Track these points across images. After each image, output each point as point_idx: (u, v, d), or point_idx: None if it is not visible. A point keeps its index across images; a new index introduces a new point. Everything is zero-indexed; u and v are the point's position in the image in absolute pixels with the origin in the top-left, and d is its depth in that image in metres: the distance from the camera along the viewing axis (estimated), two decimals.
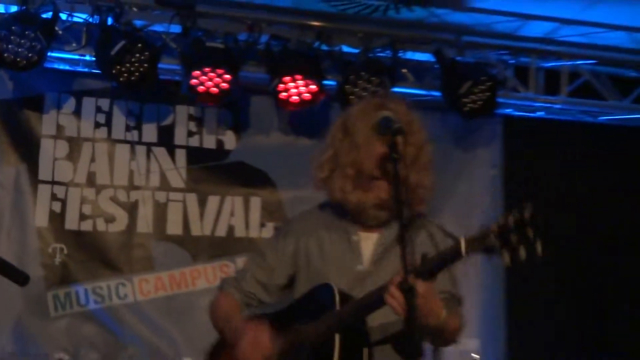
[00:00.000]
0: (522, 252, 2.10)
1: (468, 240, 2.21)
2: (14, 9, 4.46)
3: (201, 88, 4.59)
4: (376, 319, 2.40)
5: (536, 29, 5.13)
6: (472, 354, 4.90)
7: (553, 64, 5.35)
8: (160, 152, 4.95)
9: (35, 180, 4.72)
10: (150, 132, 4.95)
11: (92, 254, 4.78)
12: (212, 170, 5.01)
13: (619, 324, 5.29)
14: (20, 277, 3.08)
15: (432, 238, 2.58)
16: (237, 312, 2.66)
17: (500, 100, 5.08)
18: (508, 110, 5.42)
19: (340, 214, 2.65)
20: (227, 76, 4.57)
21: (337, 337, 2.38)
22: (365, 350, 2.40)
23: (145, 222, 4.86)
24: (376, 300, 2.33)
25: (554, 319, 5.29)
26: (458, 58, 4.98)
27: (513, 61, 5.34)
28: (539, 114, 5.49)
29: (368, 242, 2.59)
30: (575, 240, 5.46)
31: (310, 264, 2.63)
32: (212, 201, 4.98)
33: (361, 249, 2.59)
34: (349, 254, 2.59)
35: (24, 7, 4.32)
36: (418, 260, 2.26)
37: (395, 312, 2.27)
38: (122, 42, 4.35)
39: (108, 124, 4.88)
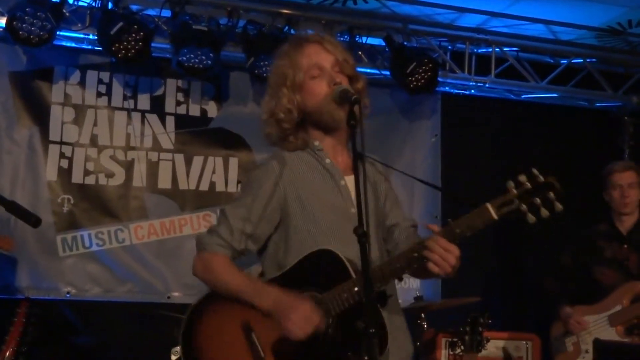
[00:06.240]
0: (544, 212, 2.10)
1: (495, 206, 2.13)
2: None
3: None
4: None
5: (470, 20, 5.24)
6: (416, 292, 5.00)
7: (484, 50, 5.45)
8: (153, 118, 4.98)
9: (46, 141, 4.74)
10: (144, 101, 4.97)
11: (94, 204, 4.82)
12: (196, 134, 5.05)
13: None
14: (32, 219, 3.23)
15: (374, 183, 2.47)
16: (245, 275, 2.33)
17: (440, 79, 5.17)
18: (446, 88, 5.53)
19: (312, 154, 2.41)
20: (210, 54, 4.60)
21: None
22: (381, 311, 2.20)
23: (139, 178, 4.90)
24: (410, 260, 2.17)
25: (483, 269, 5.40)
26: (405, 43, 5.10)
27: (450, 47, 5.45)
28: (472, 91, 5.59)
29: (352, 185, 2.24)
30: (496, 193, 5.70)
31: (304, 207, 2.33)
32: (197, 161, 5.03)
33: (350, 193, 2.35)
34: (340, 198, 2.35)
35: None
36: (452, 228, 2.13)
37: (434, 269, 2.13)
38: (120, 24, 4.38)
39: (108, 93, 4.89)
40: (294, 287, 2.24)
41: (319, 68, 2.39)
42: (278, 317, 2.20)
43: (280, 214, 2.36)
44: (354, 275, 2.19)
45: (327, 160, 2.41)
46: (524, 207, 2.12)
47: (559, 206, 2.11)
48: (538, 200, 2.11)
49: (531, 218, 2.12)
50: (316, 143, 2.43)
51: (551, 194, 2.11)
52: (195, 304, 2.38)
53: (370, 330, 1.94)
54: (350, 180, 2.36)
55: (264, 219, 2.35)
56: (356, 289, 2.16)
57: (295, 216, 2.34)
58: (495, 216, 2.13)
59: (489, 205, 2.14)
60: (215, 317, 2.34)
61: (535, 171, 2.14)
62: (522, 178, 2.14)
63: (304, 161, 2.41)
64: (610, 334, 4.12)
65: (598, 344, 3.99)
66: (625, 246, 4.27)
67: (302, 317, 2.15)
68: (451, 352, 4.19)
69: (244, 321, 2.28)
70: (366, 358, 1.96)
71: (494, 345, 4.35)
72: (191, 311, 2.37)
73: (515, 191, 2.13)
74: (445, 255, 2.14)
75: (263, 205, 2.34)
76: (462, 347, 3.88)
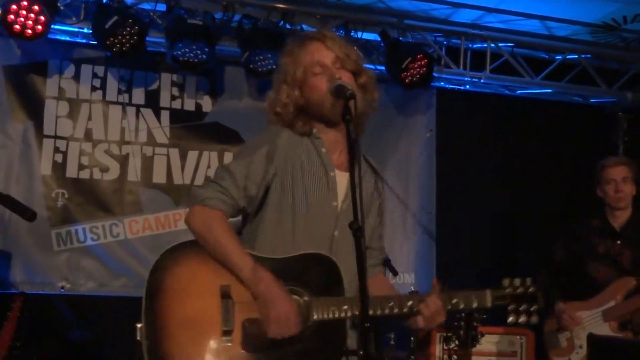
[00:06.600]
0: (523, 320, 2.43)
1: (493, 297, 2.40)
2: None
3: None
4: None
5: (465, 16, 5.26)
6: (411, 287, 5.08)
7: (479, 45, 5.46)
8: (148, 112, 4.98)
9: (40, 135, 4.74)
10: (139, 95, 4.97)
11: (89, 198, 4.82)
12: (191, 129, 5.06)
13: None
14: (28, 213, 3.21)
15: (376, 187, 2.56)
16: (243, 247, 2.30)
17: (435, 74, 5.19)
18: (441, 84, 5.56)
19: (311, 140, 2.46)
20: (205, 49, 4.60)
21: (347, 323, 2.27)
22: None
23: (134, 172, 4.91)
24: (404, 305, 2.30)
25: (478, 264, 5.42)
26: (400, 38, 5.11)
27: (446, 42, 5.48)
28: (467, 87, 5.62)
29: (341, 180, 2.42)
30: (491, 188, 5.70)
31: (292, 185, 2.37)
32: (192, 155, 5.04)
33: (336, 186, 2.42)
34: (325, 188, 2.41)
35: None
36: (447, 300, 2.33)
37: (421, 323, 2.31)
38: (115, 18, 4.37)
39: (103, 87, 4.89)
40: (286, 278, 2.26)
41: (320, 65, 2.43)
42: (262, 305, 2.22)
43: (269, 185, 2.39)
44: (346, 294, 2.27)
45: (323, 150, 2.46)
46: (511, 307, 2.43)
47: (534, 320, 2.45)
48: (523, 308, 2.44)
49: (511, 320, 2.44)
50: (314, 131, 2.46)
51: (534, 307, 2.44)
52: (169, 249, 2.32)
53: (366, 325, 1.96)
54: (340, 175, 2.43)
55: (261, 184, 2.37)
56: (345, 307, 2.24)
57: (282, 191, 2.38)
58: (489, 304, 2.43)
59: (488, 293, 2.42)
60: (192, 269, 2.30)
61: (529, 281, 2.47)
62: (517, 282, 2.46)
63: (302, 143, 2.44)
64: (604, 330, 4.14)
65: (592, 338, 4.00)
66: (618, 242, 4.28)
67: (284, 319, 2.19)
68: (446, 347, 4.20)
69: (224, 285, 2.25)
70: (361, 352, 1.98)
71: (488, 340, 4.37)
72: (162, 256, 2.31)
73: (509, 291, 2.45)
74: (436, 316, 2.34)
75: (261, 171, 2.37)
76: (457, 342, 3.90)
